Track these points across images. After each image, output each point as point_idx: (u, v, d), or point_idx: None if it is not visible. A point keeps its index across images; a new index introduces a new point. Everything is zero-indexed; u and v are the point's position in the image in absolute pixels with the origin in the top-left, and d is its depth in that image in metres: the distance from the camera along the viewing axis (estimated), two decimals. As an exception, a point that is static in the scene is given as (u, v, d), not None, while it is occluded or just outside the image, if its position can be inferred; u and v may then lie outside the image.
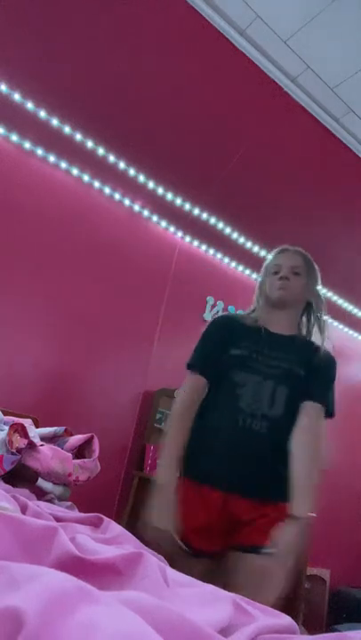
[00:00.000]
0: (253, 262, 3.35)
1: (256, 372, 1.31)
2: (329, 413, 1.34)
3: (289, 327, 1.42)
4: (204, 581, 0.97)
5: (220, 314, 3.16)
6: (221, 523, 1.25)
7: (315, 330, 1.46)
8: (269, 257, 1.50)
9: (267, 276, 1.46)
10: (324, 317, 1.48)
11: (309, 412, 1.30)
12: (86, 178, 2.79)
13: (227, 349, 1.37)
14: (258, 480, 1.25)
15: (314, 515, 1.25)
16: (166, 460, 1.29)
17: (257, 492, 1.24)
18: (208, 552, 1.25)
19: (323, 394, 1.33)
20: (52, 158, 2.67)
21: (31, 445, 1.29)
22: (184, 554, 1.23)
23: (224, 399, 1.32)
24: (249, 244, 3.25)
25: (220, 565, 1.24)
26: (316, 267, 1.49)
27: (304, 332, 1.46)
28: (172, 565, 1.20)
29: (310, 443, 1.26)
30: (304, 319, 1.47)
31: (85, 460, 1.44)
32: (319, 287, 1.48)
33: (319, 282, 1.48)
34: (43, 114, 2.49)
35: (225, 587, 1.12)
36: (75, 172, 2.75)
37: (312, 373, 1.33)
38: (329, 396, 1.35)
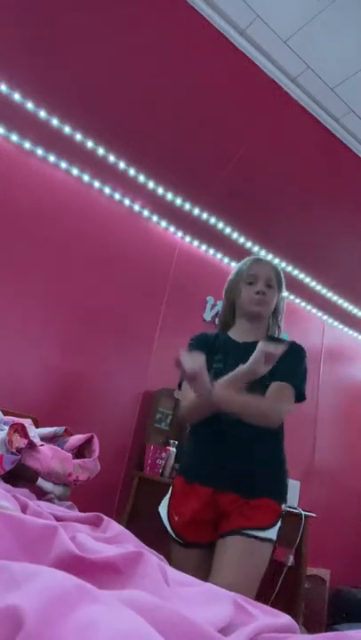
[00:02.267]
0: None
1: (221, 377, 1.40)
2: (299, 394, 1.39)
3: (257, 335, 1.50)
4: (198, 573, 1.04)
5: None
6: (209, 514, 1.34)
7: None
8: (243, 265, 1.57)
9: (240, 283, 1.53)
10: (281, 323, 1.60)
11: (271, 388, 1.36)
12: (86, 178, 2.79)
13: (209, 363, 1.46)
14: (243, 475, 1.33)
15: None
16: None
17: (240, 488, 1.32)
18: (198, 542, 1.35)
19: (286, 375, 1.38)
20: (52, 158, 2.67)
21: (31, 445, 1.29)
22: (177, 545, 1.36)
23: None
24: (249, 244, 3.25)
25: (211, 556, 1.32)
26: (283, 277, 1.58)
27: (271, 332, 1.56)
28: (170, 556, 1.28)
29: (265, 401, 1.34)
30: (270, 322, 1.57)
31: (85, 459, 1.44)
32: (283, 296, 1.59)
33: (283, 291, 1.58)
34: (43, 114, 2.49)
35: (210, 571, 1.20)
36: (75, 171, 2.75)
37: (277, 363, 1.37)
38: (294, 376, 1.40)
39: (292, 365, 1.41)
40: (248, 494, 1.31)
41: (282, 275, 1.57)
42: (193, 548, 1.35)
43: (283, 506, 1.36)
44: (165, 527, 1.40)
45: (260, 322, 1.52)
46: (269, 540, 1.28)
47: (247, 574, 1.22)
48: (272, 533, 1.29)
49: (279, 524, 1.33)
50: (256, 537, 1.25)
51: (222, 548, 1.26)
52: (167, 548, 1.37)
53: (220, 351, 1.49)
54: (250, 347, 1.42)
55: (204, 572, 1.26)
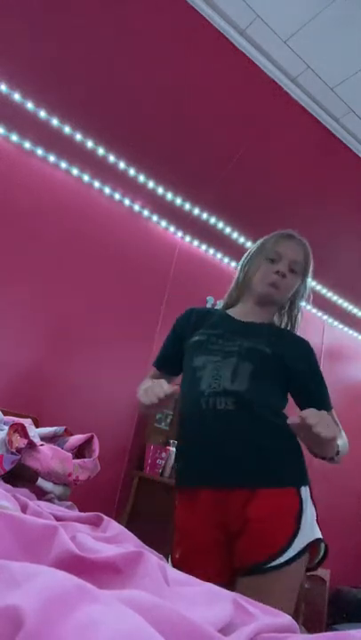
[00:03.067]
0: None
1: (215, 354, 1.19)
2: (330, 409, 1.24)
3: (263, 317, 1.30)
4: None
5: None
6: (214, 536, 1.09)
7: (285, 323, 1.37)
8: (269, 238, 1.36)
9: (259, 257, 1.32)
10: (299, 313, 1.37)
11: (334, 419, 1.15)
12: (86, 178, 2.79)
13: (188, 339, 1.29)
14: (242, 463, 1.09)
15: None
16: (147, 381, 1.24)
17: (243, 478, 1.08)
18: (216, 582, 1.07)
19: (326, 402, 1.22)
20: (52, 158, 2.67)
21: (31, 445, 1.29)
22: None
23: (187, 386, 1.21)
24: (249, 244, 3.25)
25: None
26: (312, 263, 1.37)
27: (277, 323, 1.36)
28: None
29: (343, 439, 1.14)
30: (282, 312, 1.37)
31: (85, 459, 1.44)
32: (307, 285, 1.37)
33: (310, 279, 1.37)
34: (43, 114, 2.49)
35: None
36: (75, 171, 2.75)
37: (287, 358, 1.20)
38: (328, 397, 1.24)
39: (320, 386, 1.23)
40: (256, 484, 1.07)
41: (311, 260, 1.35)
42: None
43: (303, 490, 1.11)
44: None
45: (270, 307, 1.31)
46: (300, 554, 1.02)
47: (279, 605, 0.87)
48: (303, 539, 1.03)
49: (308, 512, 1.08)
50: (281, 564, 0.99)
51: (246, 593, 0.90)
52: (167, 548, 1.36)
53: (207, 324, 1.29)
54: (248, 327, 1.25)
55: None
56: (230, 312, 1.34)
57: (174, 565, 1.08)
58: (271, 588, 0.98)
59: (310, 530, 1.06)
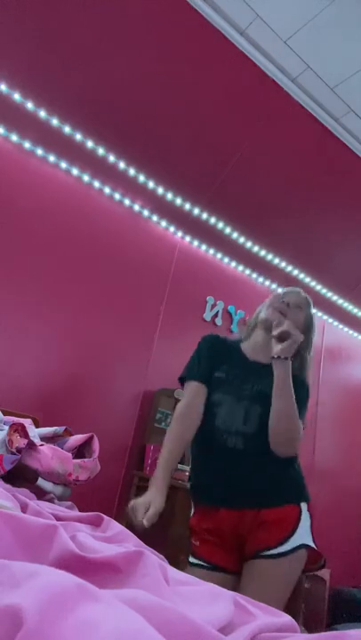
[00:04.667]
0: (253, 262, 3.35)
1: (231, 393, 1.38)
2: (301, 419, 1.37)
3: (266, 354, 1.41)
4: None
5: (219, 318, 3.18)
6: (232, 540, 1.31)
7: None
8: (280, 291, 1.55)
9: (269, 302, 1.49)
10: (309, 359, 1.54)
11: None
12: (86, 178, 2.79)
13: (212, 370, 1.44)
14: (248, 492, 1.30)
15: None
16: (162, 459, 1.37)
17: (251, 503, 1.29)
18: (224, 567, 1.31)
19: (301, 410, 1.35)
20: (51, 158, 2.67)
21: (31, 445, 1.29)
22: (202, 570, 1.29)
23: (206, 418, 1.38)
24: (249, 244, 3.25)
25: (237, 584, 1.29)
26: (316, 317, 1.56)
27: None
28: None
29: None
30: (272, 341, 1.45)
31: (85, 459, 1.44)
32: (313, 336, 1.54)
33: (314, 333, 1.54)
34: (43, 114, 2.49)
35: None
36: (75, 171, 2.75)
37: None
38: (303, 412, 1.37)
39: (300, 404, 1.35)
40: (266, 504, 1.28)
41: (313, 314, 1.54)
42: (219, 572, 1.29)
43: (303, 505, 1.32)
44: (190, 562, 1.35)
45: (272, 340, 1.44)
46: (297, 548, 1.24)
47: (275, 594, 1.19)
48: (296, 540, 1.25)
49: (305, 522, 1.29)
50: (279, 554, 1.22)
51: (248, 577, 1.24)
52: (167, 548, 1.37)
53: (227, 361, 1.44)
54: (258, 366, 1.41)
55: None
56: (243, 347, 1.50)
57: (195, 551, 1.34)
58: (268, 572, 1.22)
59: (305, 536, 1.27)
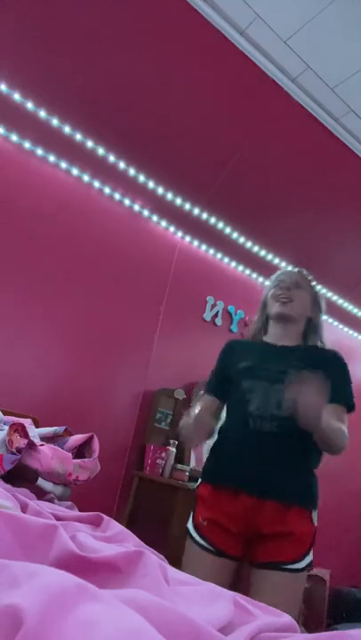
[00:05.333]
0: (253, 262, 3.35)
1: (264, 379, 1.37)
2: (350, 407, 1.38)
3: (293, 339, 1.47)
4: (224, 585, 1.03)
5: (219, 318, 3.18)
6: (242, 528, 1.31)
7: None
8: (273, 277, 1.57)
9: (269, 291, 1.52)
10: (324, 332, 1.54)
11: (330, 412, 1.30)
12: (86, 178, 2.79)
13: (235, 365, 1.46)
14: (275, 480, 1.30)
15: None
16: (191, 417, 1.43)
17: (276, 493, 1.29)
18: (228, 553, 1.31)
19: (340, 394, 1.36)
20: (51, 158, 2.67)
21: (31, 445, 1.29)
22: (205, 553, 1.31)
23: (236, 406, 1.40)
24: (249, 244, 3.25)
25: (239, 574, 1.32)
26: (318, 288, 1.56)
27: (310, 342, 1.51)
28: (192, 564, 1.29)
29: (337, 427, 1.31)
30: (311, 330, 1.52)
31: (85, 459, 1.44)
32: (320, 303, 1.54)
33: (320, 298, 1.54)
34: (43, 114, 2.49)
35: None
36: (75, 171, 2.75)
37: (326, 377, 1.36)
38: (346, 393, 1.39)
39: (341, 380, 1.39)
40: (288, 501, 1.29)
41: (311, 280, 1.54)
42: (221, 557, 1.30)
43: (315, 514, 1.35)
44: (190, 533, 1.36)
45: (290, 324, 1.47)
46: (307, 567, 1.28)
47: (288, 609, 1.20)
48: (309, 558, 1.30)
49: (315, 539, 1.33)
50: (295, 570, 1.25)
51: (262, 585, 1.25)
52: (167, 548, 1.36)
53: (251, 352, 1.47)
54: (283, 350, 1.43)
55: (227, 585, 1.23)
56: (266, 339, 1.51)
57: (199, 530, 1.34)
58: (286, 587, 1.24)
59: (311, 553, 1.32)
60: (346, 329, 4.02)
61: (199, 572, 1.18)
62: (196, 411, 1.43)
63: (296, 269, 1.56)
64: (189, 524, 1.39)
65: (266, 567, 1.26)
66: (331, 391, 1.30)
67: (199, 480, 1.46)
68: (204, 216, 3.06)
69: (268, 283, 1.58)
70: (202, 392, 1.54)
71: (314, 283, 1.54)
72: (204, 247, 3.24)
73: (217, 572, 1.27)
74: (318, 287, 1.56)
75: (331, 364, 1.41)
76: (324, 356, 1.45)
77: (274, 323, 1.49)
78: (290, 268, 1.61)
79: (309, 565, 1.30)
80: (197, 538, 1.34)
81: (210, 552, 1.31)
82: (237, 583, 1.31)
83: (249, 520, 1.30)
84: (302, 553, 1.27)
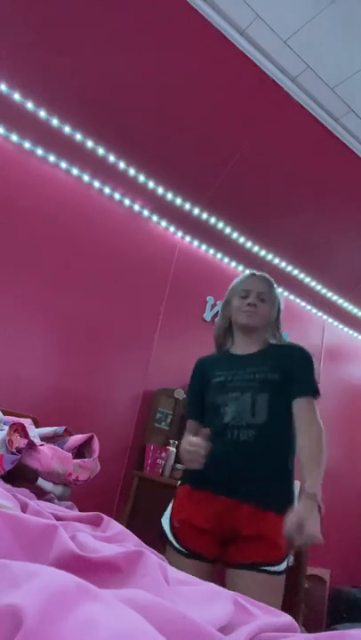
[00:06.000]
0: (253, 262, 3.35)
1: (234, 390, 1.42)
2: (316, 394, 1.42)
3: (258, 344, 1.53)
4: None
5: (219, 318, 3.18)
6: (219, 529, 1.32)
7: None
8: (238, 279, 1.63)
9: (233, 297, 1.58)
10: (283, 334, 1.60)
11: (302, 406, 1.39)
12: (86, 178, 2.79)
13: (208, 383, 1.52)
14: (253, 485, 1.33)
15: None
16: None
17: (254, 497, 1.31)
18: (201, 554, 1.32)
19: (305, 385, 1.42)
20: (51, 158, 2.67)
21: (31, 445, 1.29)
22: (178, 555, 1.32)
23: (214, 422, 1.43)
24: (249, 244, 3.25)
25: (213, 574, 1.31)
26: (279, 292, 1.62)
27: (273, 342, 1.57)
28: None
29: (313, 432, 1.35)
30: (271, 334, 1.57)
31: (85, 459, 1.44)
32: (280, 309, 1.60)
33: (281, 306, 1.60)
34: (43, 114, 2.49)
35: None
36: (75, 171, 2.75)
37: (290, 372, 1.42)
38: (311, 382, 1.43)
39: (304, 372, 1.44)
40: (266, 505, 1.30)
41: (275, 288, 1.59)
42: (195, 560, 1.31)
43: None
44: (167, 536, 1.37)
45: (256, 333, 1.53)
46: (284, 571, 1.29)
47: (272, 598, 1.20)
48: (285, 563, 1.30)
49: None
50: (273, 572, 1.25)
51: (237, 583, 1.24)
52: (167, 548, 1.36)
53: (220, 366, 1.52)
54: (249, 358, 1.49)
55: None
56: (232, 351, 1.57)
57: (173, 531, 1.36)
58: (269, 589, 1.24)
59: (289, 560, 1.34)
60: (346, 329, 4.02)
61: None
62: (187, 443, 1.43)
63: (260, 275, 1.60)
64: (165, 522, 1.41)
65: (241, 567, 1.26)
66: (298, 384, 1.40)
67: (178, 482, 1.49)
68: (204, 216, 3.06)
69: (233, 285, 1.62)
70: (188, 419, 1.58)
71: (275, 287, 1.59)
72: (204, 247, 3.24)
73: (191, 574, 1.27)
74: (278, 290, 1.61)
75: (295, 359, 1.45)
76: (288, 352, 1.49)
77: (239, 332, 1.55)
78: (251, 272, 1.64)
79: (285, 570, 1.30)
80: (172, 540, 1.36)
81: (183, 554, 1.32)
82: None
83: (226, 520, 1.31)
84: (280, 557, 1.27)
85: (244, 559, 1.26)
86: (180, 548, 1.33)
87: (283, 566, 1.28)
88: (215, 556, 1.32)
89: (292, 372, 1.42)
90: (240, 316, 1.52)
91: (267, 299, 1.54)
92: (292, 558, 1.41)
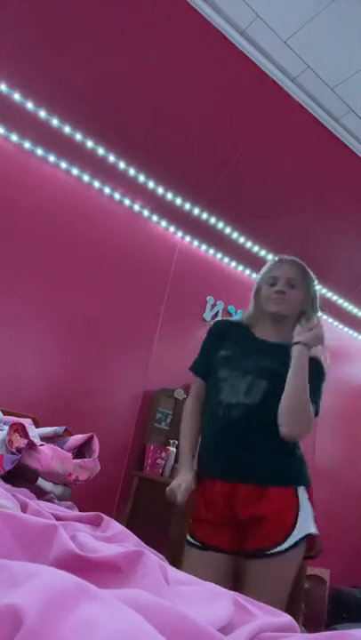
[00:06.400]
0: (253, 262, 3.35)
1: (237, 369, 1.41)
2: (316, 413, 1.39)
3: (279, 335, 1.46)
4: (219, 580, 1.06)
5: (219, 318, 3.18)
6: (223, 517, 1.32)
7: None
8: (266, 266, 1.55)
9: (262, 285, 1.51)
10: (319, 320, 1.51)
11: None
12: (86, 178, 2.79)
13: (217, 351, 1.49)
14: (247, 464, 1.32)
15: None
16: (183, 443, 1.48)
17: (249, 476, 1.30)
18: (217, 547, 1.32)
19: (311, 395, 1.37)
20: (51, 158, 2.67)
21: (31, 445, 1.29)
22: (194, 549, 1.33)
23: (211, 394, 1.44)
24: (249, 244, 3.25)
25: (232, 568, 1.31)
26: (312, 275, 1.54)
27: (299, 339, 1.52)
28: (184, 562, 1.31)
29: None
30: (298, 326, 1.49)
31: (85, 459, 1.44)
32: (315, 294, 1.53)
33: (315, 290, 1.53)
34: (43, 114, 2.49)
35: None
36: (75, 171, 2.75)
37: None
38: (316, 396, 1.39)
39: (314, 385, 1.38)
40: (263, 482, 1.29)
41: (309, 272, 1.52)
42: (211, 551, 1.31)
43: (300, 489, 1.32)
44: (186, 538, 1.38)
45: (285, 322, 1.47)
46: (295, 545, 1.24)
47: (275, 596, 1.19)
48: (297, 533, 1.25)
49: (304, 511, 1.29)
50: (280, 552, 1.23)
51: (248, 575, 1.25)
52: (167, 548, 1.36)
53: (235, 340, 1.48)
54: (265, 344, 1.45)
55: (225, 579, 1.24)
56: (254, 330, 1.52)
57: (190, 529, 1.38)
58: (270, 571, 1.23)
59: (305, 525, 1.27)
60: (346, 329, 4.02)
61: (189, 566, 1.26)
62: (186, 415, 1.49)
63: (289, 260, 1.53)
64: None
65: (251, 556, 1.26)
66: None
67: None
68: (204, 216, 3.06)
69: (261, 272, 1.55)
70: (191, 371, 1.55)
71: (308, 272, 1.53)
72: (204, 247, 3.24)
73: (205, 566, 1.28)
74: (311, 275, 1.54)
75: (314, 371, 1.39)
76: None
77: (269, 319, 1.50)
78: (280, 257, 1.56)
79: (300, 542, 1.25)
80: (188, 537, 1.38)
81: (196, 547, 1.33)
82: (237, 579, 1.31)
83: (227, 507, 1.31)
84: (286, 534, 1.24)
85: (251, 547, 1.26)
86: (194, 542, 1.34)
87: (288, 543, 1.24)
88: (233, 546, 1.30)
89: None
90: (269, 305, 1.46)
91: (297, 284, 1.46)
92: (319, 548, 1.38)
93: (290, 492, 1.30)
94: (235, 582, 1.26)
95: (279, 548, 1.23)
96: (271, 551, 1.23)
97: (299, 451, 1.39)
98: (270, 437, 1.33)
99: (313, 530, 1.29)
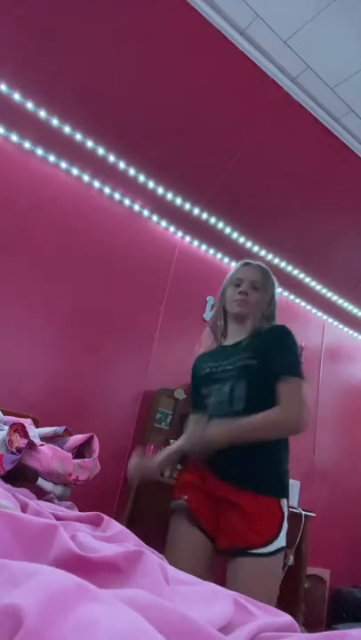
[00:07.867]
0: (253, 262, 3.35)
1: (217, 382, 1.46)
2: (297, 376, 1.39)
3: (245, 333, 1.52)
4: (194, 555, 1.15)
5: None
6: (200, 484, 1.40)
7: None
8: (232, 270, 1.65)
9: (228, 286, 1.59)
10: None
11: (280, 390, 1.36)
12: (86, 178, 2.79)
13: (199, 377, 1.56)
14: (231, 468, 1.35)
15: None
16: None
17: (230, 477, 1.35)
18: (198, 520, 1.36)
19: (282, 365, 1.40)
20: (51, 158, 2.67)
21: (31, 445, 1.29)
22: (182, 518, 1.38)
23: (201, 414, 1.45)
24: (249, 244, 3.25)
25: (209, 557, 1.34)
26: (274, 280, 1.61)
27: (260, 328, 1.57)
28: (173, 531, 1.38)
29: (269, 415, 1.34)
30: (264, 322, 1.56)
31: (85, 459, 1.44)
32: (274, 297, 1.60)
33: (275, 294, 1.60)
34: (43, 114, 2.49)
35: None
36: (75, 171, 2.75)
37: (267, 354, 1.41)
38: (287, 361, 1.41)
39: (280, 351, 1.41)
40: (247, 486, 1.32)
41: (271, 276, 1.60)
42: (195, 528, 1.35)
43: (283, 502, 1.35)
44: (173, 504, 1.43)
45: (247, 322, 1.53)
46: (280, 550, 1.27)
47: (263, 595, 1.20)
48: (281, 540, 1.29)
49: (285, 525, 1.32)
50: (265, 554, 1.24)
51: (233, 574, 1.25)
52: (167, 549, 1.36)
53: (211, 359, 1.54)
54: (234, 347, 1.50)
55: (200, 559, 1.30)
56: (224, 342, 1.59)
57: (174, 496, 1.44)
58: (257, 572, 1.24)
59: (283, 538, 1.31)
60: (346, 329, 4.02)
61: (175, 537, 1.34)
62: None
63: (255, 264, 1.61)
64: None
65: (235, 554, 1.28)
66: (273, 364, 1.38)
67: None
68: (204, 216, 3.06)
69: (228, 275, 1.63)
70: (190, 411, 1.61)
71: (270, 275, 1.60)
72: (204, 247, 3.24)
73: (191, 542, 1.34)
74: (274, 279, 1.61)
75: (270, 338, 1.45)
76: (266, 334, 1.48)
77: (232, 321, 1.57)
78: (245, 261, 1.67)
79: (283, 549, 1.29)
80: (171, 502, 1.44)
81: (180, 510, 1.39)
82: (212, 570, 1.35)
83: (215, 494, 1.36)
84: (272, 534, 1.27)
85: (234, 542, 1.28)
86: (179, 502, 1.40)
87: (277, 543, 1.27)
88: (211, 525, 1.35)
89: (268, 352, 1.40)
90: (232, 306, 1.53)
91: (260, 287, 1.54)
92: (291, 558, 1.41)
93: (273, 501, 1.34)
94: (214, 576, 1.29)
95: (266, 549, 1.25)
96: (259, 551, 1.25)
97: (286, 464, 1.42)
98: (255, 446, 1.35)
99: (285, 543, 1.32)
